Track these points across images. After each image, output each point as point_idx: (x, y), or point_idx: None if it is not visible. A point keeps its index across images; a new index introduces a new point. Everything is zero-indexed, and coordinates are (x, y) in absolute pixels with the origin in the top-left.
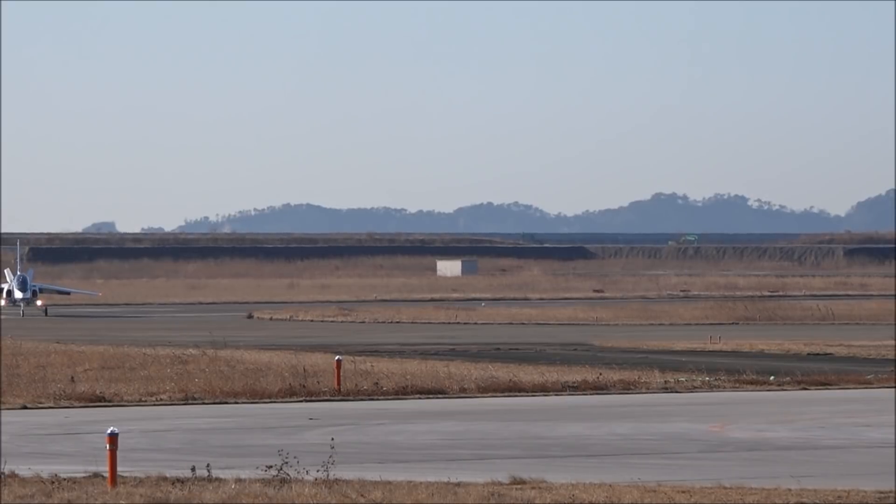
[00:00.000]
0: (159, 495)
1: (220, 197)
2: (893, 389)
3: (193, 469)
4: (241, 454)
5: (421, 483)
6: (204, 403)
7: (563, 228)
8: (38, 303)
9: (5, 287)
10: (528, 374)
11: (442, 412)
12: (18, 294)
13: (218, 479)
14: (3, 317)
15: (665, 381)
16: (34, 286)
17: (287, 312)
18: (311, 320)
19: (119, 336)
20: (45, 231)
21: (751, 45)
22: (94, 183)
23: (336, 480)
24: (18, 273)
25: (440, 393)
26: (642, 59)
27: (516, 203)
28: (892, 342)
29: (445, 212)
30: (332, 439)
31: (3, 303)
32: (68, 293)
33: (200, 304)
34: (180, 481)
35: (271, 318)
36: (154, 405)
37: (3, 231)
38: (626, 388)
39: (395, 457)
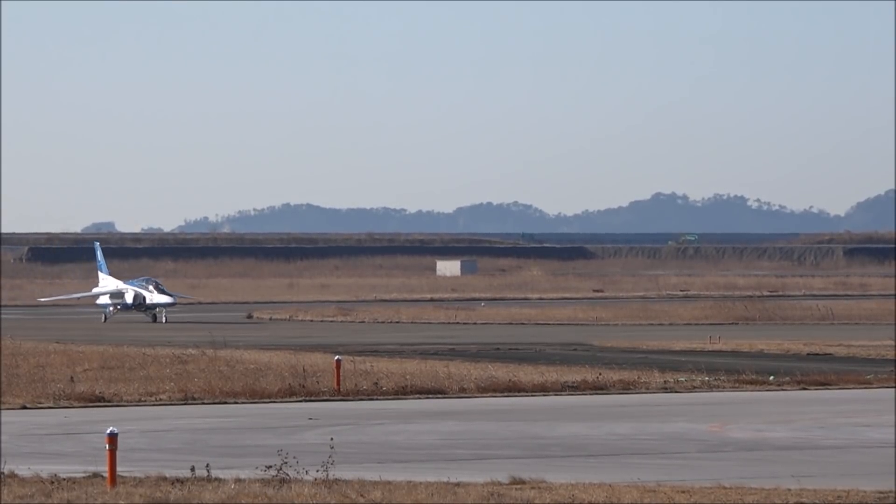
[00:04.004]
0: (159, 495)
1: (219, 197)
2: (893, 389)
3: (193, 469)
4: (240, 454)
5: (421, 483)
6: (203, 403)
7: (562, 228)
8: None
9: (126, 292)
10: (527, 373)
11: (441, 412)
12: (164, 299)
13: (217, 479)
14: (106, 321)
15: (664, 381)
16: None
17: (287, 312)
18: (311, 320)
19: (119, 336)
20: (45, 231)
21: (751, 45)
22: (94, 183)
23: (336, 480)
24: (150, 278)
25: (440, 393)
26: (642, 58)
27: (516, 203)
28: (892, 342)
29: (445, 212)
30: (332, 439)
31: (111, 309)
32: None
33: (200, 304)
34: (180, 481)
35: (271, 318)
36: (154, 405)
37: (3, 231)
38: (626, 388)
39: (395, 457)
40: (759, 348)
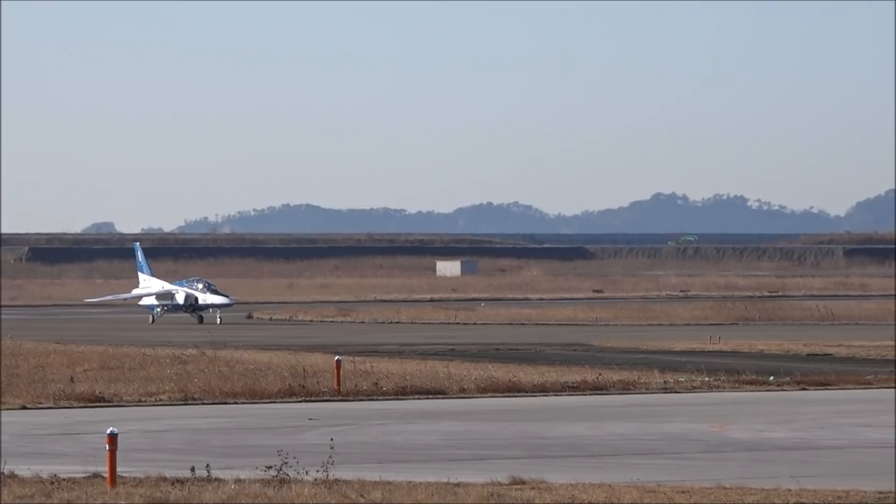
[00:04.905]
0: (159, 495)
1: (219, 197)
2: (893, 390)
3: (193, 469)
4: (240, 454)
5: (421, 483)
6: (203, 403)
7: (562, 229)
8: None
9: (176, 293)
10: (527, 374)
11: (441, 412)
12: (219, 300)
13: (217, 480)
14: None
15: (665, 382)
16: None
17: (287, 312)
18: (311, 320)
19: (119, 336)
20: (45, 231)
21: (751, 45)
22: (94, 183)
23: (336, 481)
24: (200, 278)
25: (440, 393)
26: (642, 59)
27: (516, 203)
28: (892, 342)
29: (445, 212)
30: (332, 440)
31: (159, 310)
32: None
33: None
34: (180, 482)
35: (271, 319)
36: (154, 405)
37: (3, 231)
38: (626, 388)
39: (395, 457)
40: (759, 348)
